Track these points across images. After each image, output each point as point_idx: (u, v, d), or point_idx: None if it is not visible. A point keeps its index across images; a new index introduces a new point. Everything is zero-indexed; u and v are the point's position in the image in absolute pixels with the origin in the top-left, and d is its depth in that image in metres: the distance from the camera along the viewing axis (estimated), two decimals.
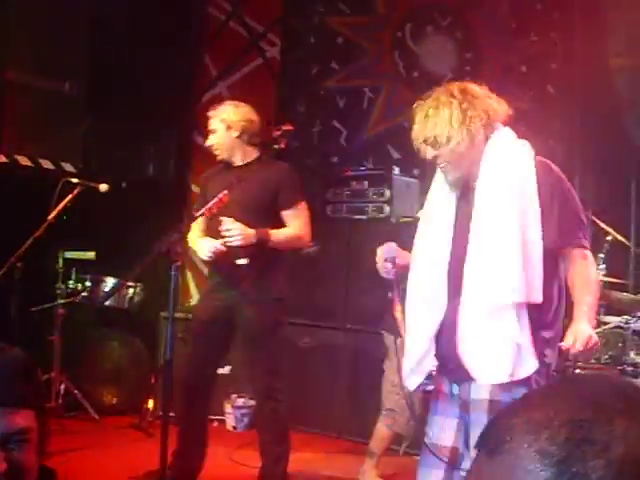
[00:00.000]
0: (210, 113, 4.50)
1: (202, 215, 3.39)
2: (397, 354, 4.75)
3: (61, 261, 5.95)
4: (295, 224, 4.37)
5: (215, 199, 3.24)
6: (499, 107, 2.94)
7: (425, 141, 2.90)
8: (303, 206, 4.44)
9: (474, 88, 2.93)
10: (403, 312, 4.66)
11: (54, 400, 5.90)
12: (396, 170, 6.20)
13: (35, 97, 6.32)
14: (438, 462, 2.88)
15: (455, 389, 3.00)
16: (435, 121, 2.85)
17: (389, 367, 4.84)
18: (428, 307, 3.03)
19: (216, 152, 4.49)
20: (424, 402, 4.76)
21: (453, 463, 2.86)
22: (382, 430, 4.79)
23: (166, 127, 7.34)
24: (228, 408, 6.20)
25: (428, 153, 2.93)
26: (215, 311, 4.44)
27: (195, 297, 7.13)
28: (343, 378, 6.04)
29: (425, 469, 2.94)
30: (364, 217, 6.12)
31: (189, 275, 7.26)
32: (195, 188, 7.37)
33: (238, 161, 4.46)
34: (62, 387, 5.95)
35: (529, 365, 2.78)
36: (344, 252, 6.14)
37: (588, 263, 2.94)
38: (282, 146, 3.45)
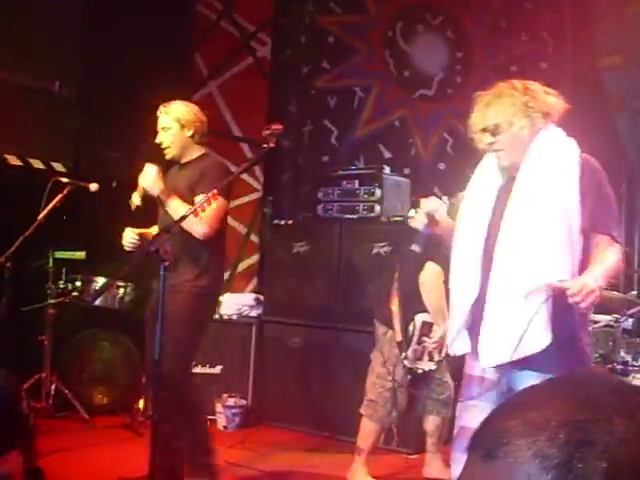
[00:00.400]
0: (162, 109, 4.46)
1: (192, 214, 3.37)
2: (384, 348, 4.79)
3: (51, 261, 5.93)
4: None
5: (204, 197, 3.22)
6: (556, 102, 3.06)
7: (485, 129, 3.02)
8: (217, 200, 4.18)
9: (534, 84, 3.07)
10: (399, 305, 4.70)
11: (44, 400, 5.89)
12: (387, 169, 6.19)
13: (25, 96, 6.30)
14: None
15: (491, 373, 3.03)
16: (497, 109, 2.98)
17: (376, 358, 4.86)
18: (463, 288, 3.09)
19: (166, 150, 4.45)
20: (410, 397, 4.80)
21: None
22: (366, 425, 4.81)
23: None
24: (219, 408, 6.19)
25: (485, 140, 3.04)
26: (153, 302, 4.43)
27: None
28: (334, 378, 6.04)
29: (461, 454, 2.97)
30: (355, 216, 6.12)
31: None
32: None
33: (185, 159, 4.48)
34: (52, 387, 5.94)
35: (542, 340, 2.83)
36: (335, 251, 6.13)
37: (613, 249, 3.00)
38: (271, 145, 3.43)
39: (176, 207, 4.14)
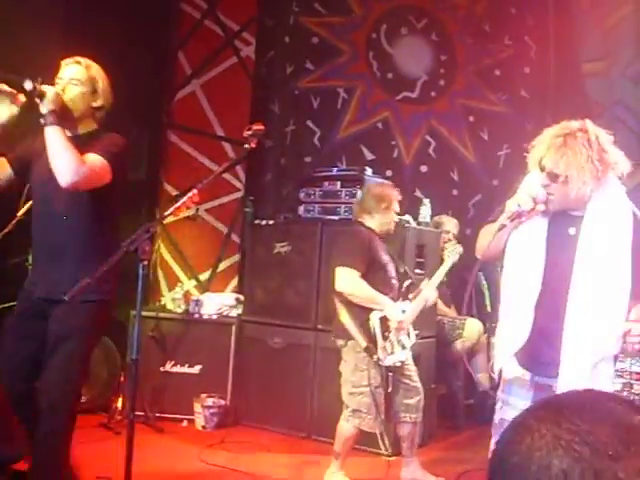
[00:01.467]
0: (80, 60, 3.70)
1: (171, 215, 3.32)
2: (349, 356, 4.81)
3: (30, 258, 5.88)
4: (88, 155, 3.48)
5: (185, 198, 3.19)
6: (623, 163, 3.02)
7: (550, 174, 2.95)
8: (101, 160, 3.52)
9: (605, 140, 2.99)
10: (348, 313, 4.71)
11: None
12: (369, 171, 6.20)
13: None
14: None
15: (526, 376, 3.14)
16: (569, 162, 2.91)
17: (344, 369, 4.85)
18: (514, 325, 3.10)
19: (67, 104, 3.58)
20: (387, 397, 4.80)
21: None
22: (346, 430, 4.80)
23: (139, 125, 7.31)
24: (197, 407, 6.17)
25: (542, 180, 2.99)
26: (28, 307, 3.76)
27: (166, 296, 7.10)
28: (313, 378, 6.04)
29: None
30: (336, 217, 6.12)
31: (160, 274, 7.24)
32: (168, 187, 7.34)
33: (79, 131, 3.68)
34: None
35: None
36: (316, 252, 6.13)
37: None
38: (252, 146, 3.41)
39: (59, 138, 3.42)
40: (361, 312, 4.70)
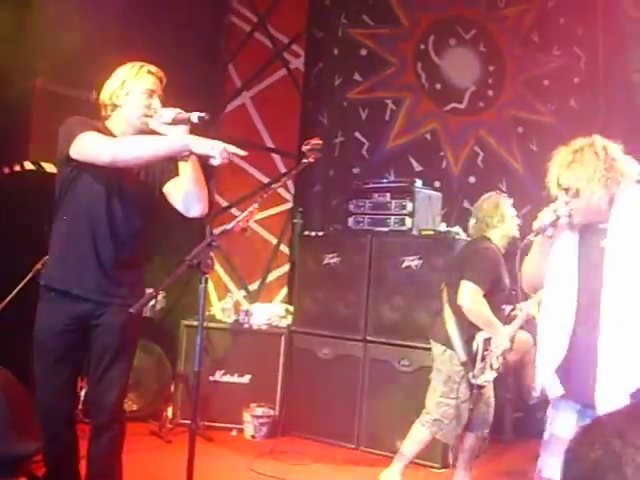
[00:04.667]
0: (161, 75, 3.72)
1: (232, 228, 3.30)
2: (444, 366, 4.78)
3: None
4: None
5: (246, 212, 3.22)
6: (633, 170, 3.06)
7: (565, 189, 3.03)
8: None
9: (614, 150, 3.06)
10: (456, 326, 4.70)
11: None
12: (419, 182, 6.20)
13: (63, 105, 6.36)
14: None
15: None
16: (578, 174, 2.99)
17: (436, 377, 4.83)
18: (553, 342, 3.12)
19: (149, 117, 3.52)
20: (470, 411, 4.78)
21: None
22: (422, 435, 4.79)
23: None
24: (247, 417, 6.22)
25: (561, 197, 3.05)
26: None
27: (216, 306, 7.16)
28: (362, 390, 6.05)
29: (554, 458, 3.02)
30: (386, 229, 6.13)
31: (210, 284, 7.29)
32: (218, 198, 7.40)
33: None
34: (82, 393, 5.98)
35: None
36: (365, 264, 6.15)
37: None
38: (311, 160, 3.44)
39: (198, 166, 3.51)
40: (470, 328, 4.68)
